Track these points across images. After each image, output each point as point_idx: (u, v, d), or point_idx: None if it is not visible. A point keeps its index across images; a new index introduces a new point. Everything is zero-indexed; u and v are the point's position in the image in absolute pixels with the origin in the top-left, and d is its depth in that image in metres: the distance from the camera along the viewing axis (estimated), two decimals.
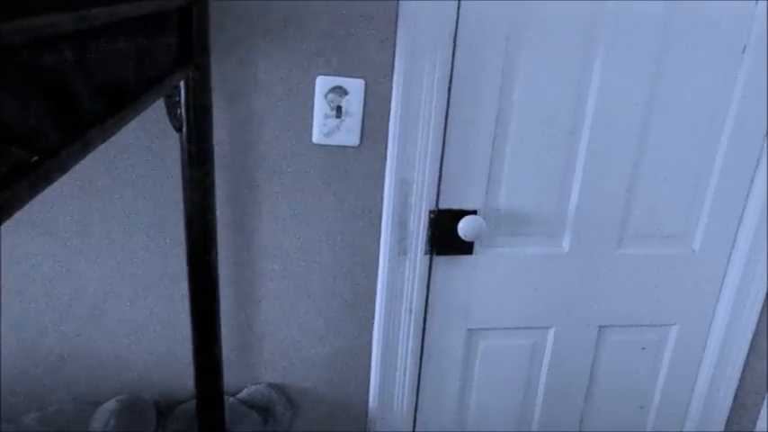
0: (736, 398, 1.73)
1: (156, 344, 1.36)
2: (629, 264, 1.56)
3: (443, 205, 1.40)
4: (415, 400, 1.54)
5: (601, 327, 1.62)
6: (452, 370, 1.56)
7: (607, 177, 1.46)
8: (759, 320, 1.64)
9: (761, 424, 1.70)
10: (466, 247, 1.44)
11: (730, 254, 1.60)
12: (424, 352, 1.52)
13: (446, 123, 1.33)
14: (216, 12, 1.15)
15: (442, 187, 1.38)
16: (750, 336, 1.66)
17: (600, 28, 1.34)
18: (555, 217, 1.48)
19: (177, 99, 1.01)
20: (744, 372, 1.70)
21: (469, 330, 1.54)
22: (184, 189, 1.08)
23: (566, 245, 1.51)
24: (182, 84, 0.99)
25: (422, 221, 1.37)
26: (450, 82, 1.31)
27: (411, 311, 1.43)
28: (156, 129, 1.21)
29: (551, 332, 1.60)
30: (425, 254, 1.40)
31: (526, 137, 1.39)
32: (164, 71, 0.84)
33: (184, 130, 1.04)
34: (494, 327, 1.55)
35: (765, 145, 1.50)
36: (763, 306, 1.63)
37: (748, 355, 1.68)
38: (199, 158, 1.07)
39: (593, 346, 1.64)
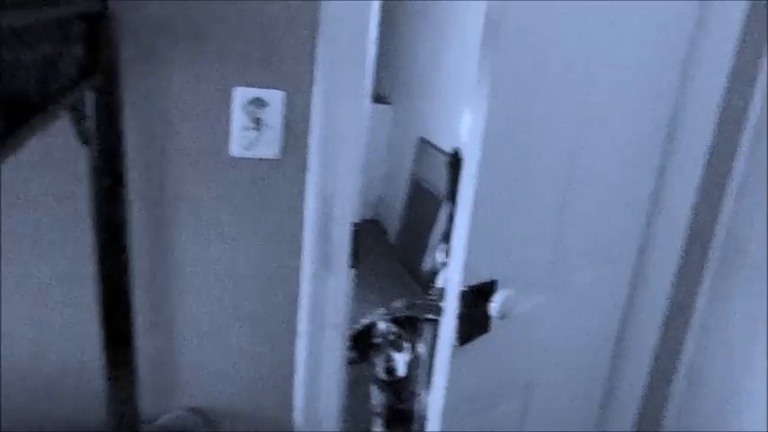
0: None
1: (64, 370, 1.28)
2: (577, 285, 1.54)
3: (469, 281, 1.16)
4: (341, 416, 1.52)
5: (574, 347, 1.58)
6: None
7: (586, 216, 1.42)
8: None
9: None
10: (486, 326, 1.22)
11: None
12: None
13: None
14: (126, 19, 1.09)
15: (466, 261, 1.14)
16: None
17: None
18: (545, 266, 1.37)
19: (84, 111, 0.95)
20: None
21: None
22: (93, 206, 1.02)
23: (546, 290, 1.40)
24: (89, 95, 0.94)
25: (345, 234, 1.35)
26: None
27: (335, 326, 1.41)
28: (63, 142, 1.14)
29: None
30: (350, 267, 1.38)
31: (531, 187, 1.24)
32: (69, 82, 0.79)
33: (92, 143, 0.98)
34: (491, 405, 1.38)
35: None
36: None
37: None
38: (108, 174, 1.01)
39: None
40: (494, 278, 1.20)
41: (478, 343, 1.22)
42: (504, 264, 1.23)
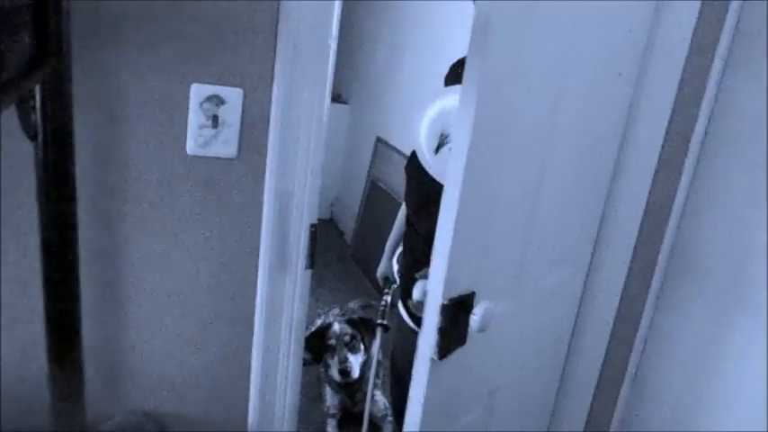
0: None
1: (5, 369, 1.22)
2: (540, 290, 1.53)
3: (449, 294, 1.11)
4: (295, 422, 1.50)
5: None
6: None
7: (550, 222, 1.40)
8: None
9: None
10: (464, 338, 1.18)
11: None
12: None
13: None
14: (79, 10, 1.05)
15: (448, 274, 1.10)
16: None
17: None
18: (515, 273, 1.34)
19: (32, 104, 0.91)
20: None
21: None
22: (39, 204, 0.98)
23: (514, 297, 1.38)
24: (37, 87, 0.90)
25: (302, 235, 1.33)
26: None
27: (291, 328, 1.39)
28: (8, 136, 1.09)
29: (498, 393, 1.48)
30: (306, 268, 1.36)
31: (505, 196, 1.22)
32: (16, 74, 0.75)
33: (40, 138, 0.94)
34: (460, 414, 1.36)
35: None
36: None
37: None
38: (57, 170, 0.97)
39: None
40: (473, 290, 1.16)
41: (455, 354, 1.19)
42: (481, 275, 1.20)
